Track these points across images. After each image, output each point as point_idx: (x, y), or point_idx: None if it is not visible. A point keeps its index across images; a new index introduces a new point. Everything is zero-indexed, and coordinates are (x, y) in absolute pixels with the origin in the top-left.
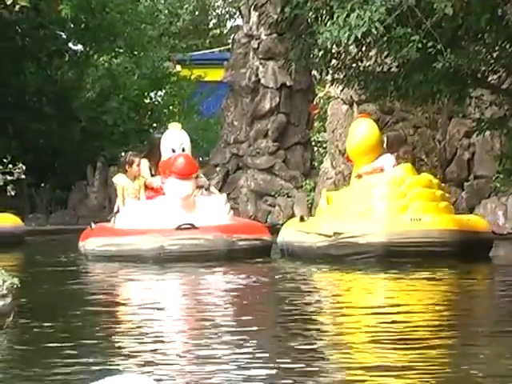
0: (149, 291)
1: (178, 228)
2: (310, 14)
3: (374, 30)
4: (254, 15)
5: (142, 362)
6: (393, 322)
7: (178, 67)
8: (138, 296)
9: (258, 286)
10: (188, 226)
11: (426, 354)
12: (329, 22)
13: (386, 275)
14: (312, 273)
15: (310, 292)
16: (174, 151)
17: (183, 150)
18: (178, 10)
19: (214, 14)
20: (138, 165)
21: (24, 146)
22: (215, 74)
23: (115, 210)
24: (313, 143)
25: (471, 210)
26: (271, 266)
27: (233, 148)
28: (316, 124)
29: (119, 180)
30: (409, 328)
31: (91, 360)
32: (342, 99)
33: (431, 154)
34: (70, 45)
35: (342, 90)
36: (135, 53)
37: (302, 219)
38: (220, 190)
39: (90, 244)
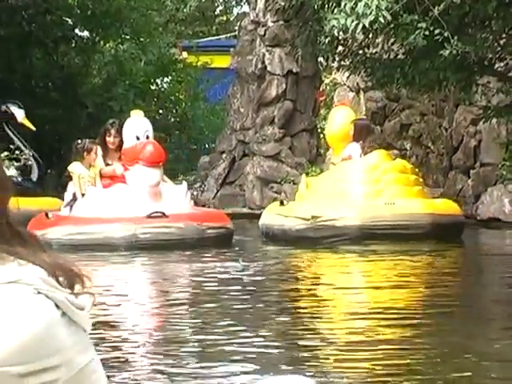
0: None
1: (149, 216)
2: (316, 1)
3: (381, 19)
4: (261, 2)
5: (109, 349)
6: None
7: (185, 54)
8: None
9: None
10: (159, 215)
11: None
12: (336, 10)
13: (361, 256)
14: (289, 254)
15: (289, 272)
16: (138, 138)
17: (147, 137)
18: None
19: (221, 0)
20: (96, 152)
21: (30, 131)
22: (222, 61)
23: (70, 198)
24: (319, 130)
25: (477, 198)
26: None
27: (239, 135)
28: (322, 111)
29: (75, 168)
30: (379, 303)
31: None
32: (348, 86)
33: (437, 142)
34: (77, 31)
35: (348, 77)
36: (141, 39)
37: (281, 203)
38: (226, 177)
39: (53, 233)
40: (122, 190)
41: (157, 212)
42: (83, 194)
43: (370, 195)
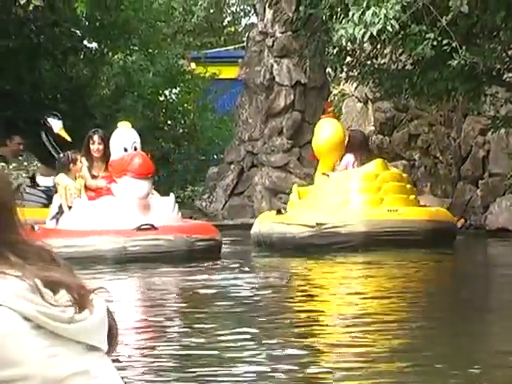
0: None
1: (139, 228)
2: (324, 12)
3: (389, 28)
4: (269, 13)
5: None
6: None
7: (193, 65)
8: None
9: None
10: (148, 227)
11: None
12: (344, 20)
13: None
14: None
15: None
16: (126, 150)
17: (135, 148)
18: (192, 7)
19: (229, 11)
20: (81, 161)
21: (38, 142)
22: (230, 72)
23: (56, 210)
24: None
25: (486, 208)
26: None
27: (247, 145)
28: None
29: (62, 180)
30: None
31: None
32: (356, 97)
33: (446, 152)
34: (85, 42)
35: (356, 88)
36: (150, 50)
37: (279, 212)
38: (235, 188)
39: None
40: (109, 202)
41: (146, 224)
42: (70, 207)
43: (370, 203)
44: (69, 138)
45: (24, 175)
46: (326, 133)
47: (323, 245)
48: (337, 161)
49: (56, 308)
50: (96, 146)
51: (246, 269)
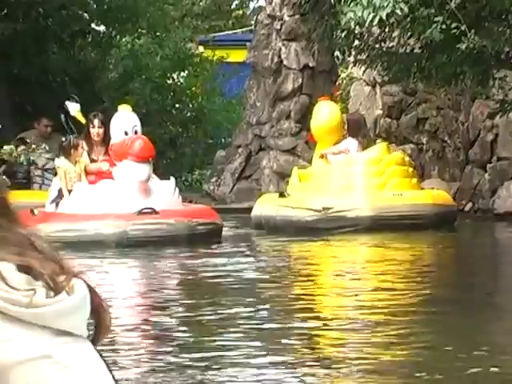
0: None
1: (140, 212)
2: None
3: (398, 11)
4: None
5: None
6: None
7: (201, 48)
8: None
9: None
10: (149, 211)
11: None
12: (352, 3)
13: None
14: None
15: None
16: (126, 134)
17: (136, 132)
18: None
19: None
20: (82, 147)
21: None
22: (238, 55)
23: (56, 194)
24: None
25: (494, 192)
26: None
27: (255, 129)
28: (338, 105)
29: (61, 163)
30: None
31: None
32: (364, 80)
33: (454, 136)
34: (93, 25)
35: (364, 71)
36: (158, 34)
37: (281, 195)
38: (242, 171)
39: (40, 230)
40: (110, 186)
41: (147, 208)
42: (70, 191)
43: (375, 187)
44: (83, 121)
45: (47, 156)
46: (324, 115)
47: (330, 228)
48: (335, 142)
49: (18, 292)
50: (96, 130)
51: (251, 252)
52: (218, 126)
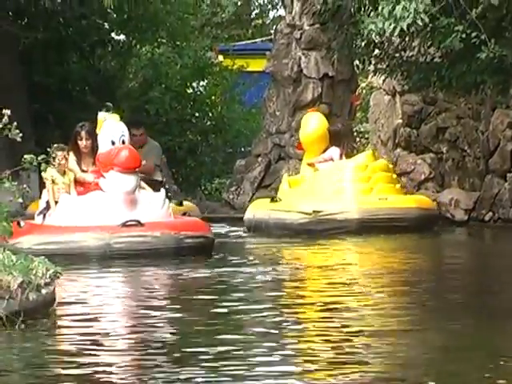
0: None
1: (124, 225)
2: (353, 4)
3: (419, 21)
4: (297, 5)
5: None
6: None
7: (221, 57)
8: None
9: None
10: (134, 223)
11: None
12: (373, 13)
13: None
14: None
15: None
16: (113, 143)
17: (123, 142)
18: (220, 0)
19: (257, 4)
20: (67, 157)
21: (67, 135)
22: (257, 65)
23: (44, 205)
24: (355, 134)
25: None
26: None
27: (275, 138)
28: (358, 114)
29: (49, 174)
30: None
31: None
32: (384, 89)
33: (474, 145)
34: (113, 35)
35: (384, 81)
36: (177, 43)
37: (273, 200)
38: (262, 180)
39: (25, 242)
40: (96, 197)
41: (132, 220)
42: (56, 202)
43: (362, 192)
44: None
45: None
46: (312, 125)
47: (320, 230)
48: (321, 151)
49: None
50: (84, 143)
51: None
52: (237, 135)
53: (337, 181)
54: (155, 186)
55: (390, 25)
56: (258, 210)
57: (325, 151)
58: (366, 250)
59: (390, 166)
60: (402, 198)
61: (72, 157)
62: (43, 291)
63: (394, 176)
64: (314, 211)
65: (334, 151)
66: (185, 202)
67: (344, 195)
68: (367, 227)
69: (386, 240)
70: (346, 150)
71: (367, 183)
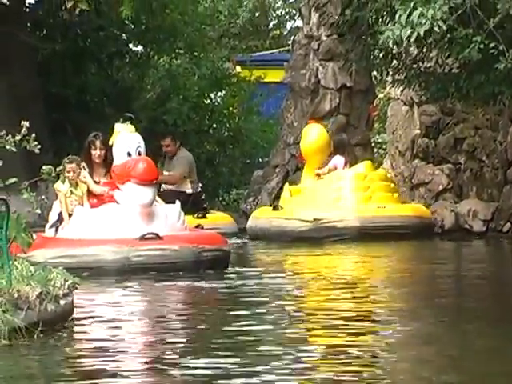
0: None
1: (142, 238)
2: (370, 15)
3: (436, 29)
4: (315, 16)
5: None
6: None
7: (238, 68)
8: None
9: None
10: (152, 236)
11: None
12: (390, 23)
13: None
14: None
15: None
16: (129, 155)
17: (139, 153)
18: (237, 10)
19: (274, 15)
20: (82, 168)
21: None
22: (275, 75)
23: (55, 218)
24: (372, 144)
25: None
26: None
27: (292, 149)
28: (376, 125)
29: (61, 186)
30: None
31: None
32: (402, 100)
33: (492, 156)
34: (131, 46)
35: (402, 91)
36: (195, 54)
37: (275, 208)
38: (279, 191)
39: (39, 256)
40: (112, 210)
41: (150, 233)
42: (70, 215)
43: (361, 200)
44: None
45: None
46: (312, 137)
47: (320, 237)
48: (322, 162)
49: None
50: (98, 152)
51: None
52: (255, 145)
53: (337, 189)
54: (182, 197)
55: (407, 31)
56: (260, 218)
57: (325, 161)
58: (381, 260)
59: (389, 175)
60: (400, 206)
61: (85, 168)
62: (61, 302)
63: (393, 185)
64: (314, 219)
65: (339, 160)
66: (220, 213)
67: (344, 203)
68: (366, 235)
69: (399, 248)
70: (351, 159)
71: (366, 192)
